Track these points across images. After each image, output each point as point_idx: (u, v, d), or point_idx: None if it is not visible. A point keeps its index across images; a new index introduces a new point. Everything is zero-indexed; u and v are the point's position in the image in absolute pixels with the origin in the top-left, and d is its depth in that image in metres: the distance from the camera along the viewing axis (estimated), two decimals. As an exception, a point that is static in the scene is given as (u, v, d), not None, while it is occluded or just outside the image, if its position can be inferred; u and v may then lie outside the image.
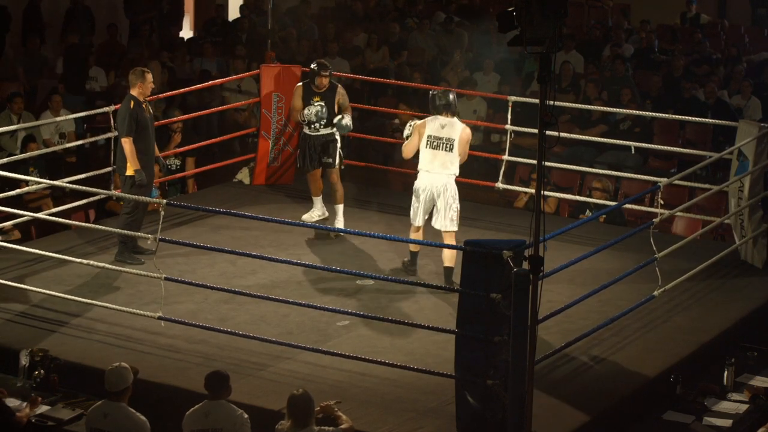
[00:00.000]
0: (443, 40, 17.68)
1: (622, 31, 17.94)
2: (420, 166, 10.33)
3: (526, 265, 7.44)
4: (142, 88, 10.52)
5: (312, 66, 11.44)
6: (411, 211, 10.43)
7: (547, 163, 10.05)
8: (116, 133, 11.64)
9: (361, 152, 15.05)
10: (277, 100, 12.91)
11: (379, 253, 11.02)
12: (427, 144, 10.24)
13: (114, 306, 9.41)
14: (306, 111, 11.26)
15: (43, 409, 8.25)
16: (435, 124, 10.28)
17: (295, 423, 7.13)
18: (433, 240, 10.25)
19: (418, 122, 10.38)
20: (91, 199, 11.52)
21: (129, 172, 10.45)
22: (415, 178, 10.37)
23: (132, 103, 10.45)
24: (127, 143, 10.39)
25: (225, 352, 8.93)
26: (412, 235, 10.45)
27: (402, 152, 10.56)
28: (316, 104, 11.26)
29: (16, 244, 10.63)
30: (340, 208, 11.49)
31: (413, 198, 10.40)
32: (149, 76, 10.59)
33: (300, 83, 11.54)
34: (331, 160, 11.41)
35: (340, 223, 11.44)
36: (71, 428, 8.11)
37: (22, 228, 11.68)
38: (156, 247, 9.12)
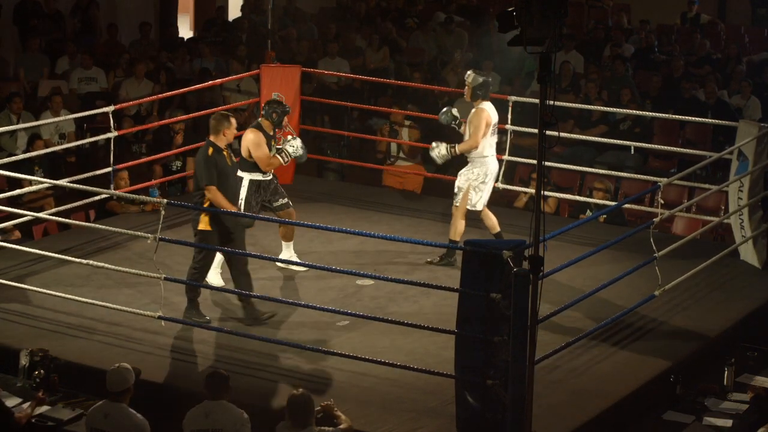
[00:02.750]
0: (443, 40, 17.68)
1: (622, 31, 17.93)
2: (488, 152, 10.62)
3: (526, 265, 7.44)
4: (227, 134, 9.51)
5: (280, 107, 10.41)
6: (476, 197, 10.68)
7: (547, 163, 10.05)
8: (115, 134, 11.71)
9: (361, 152, 15.08)
10: (277, 100, 12.90)
11: (378, 253, 11.02)
12: (492, 131, 10.63)
13: (114, 306, 9.41)
14: (291, 149, 10.32)
15: (43, 409, 8.25)
16: (493, 111, 10.64)
17: (294, 423, 7.13)
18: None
19: (483, 113, 10.51)
20: (91, 199, 11.52)
21: (202, 225, 9.40)
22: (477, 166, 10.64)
23: (211, 149, 9.43)
24: (211, 192, 9.34)
25: (225, 352, 8.93)
26: (463, 221, 10.70)
27: (474, 144, 10.56)
28: (290, 140, 10.42)
29: (17, 244, 10.64)
30: (292, 245, 10.71)
31: (481, 184, 10.64)
32: (234, 122, 9.66)
33: (253, 129, 10.29)
34: (287, 200, 10.51)
35: (295, 257, 10.62)
36: (71, 428, 8.12)
37: (24, 228, 11.68)
38: (156, 247, 9.11)
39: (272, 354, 8.87)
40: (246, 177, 10.24)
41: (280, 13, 17.96)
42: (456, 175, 10.87)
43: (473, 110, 10.64)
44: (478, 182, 10.65)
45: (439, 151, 10.77)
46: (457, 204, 10.71)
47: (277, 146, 10.39)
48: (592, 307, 9.56)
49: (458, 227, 10.71)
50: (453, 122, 10.91)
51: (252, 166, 10.23)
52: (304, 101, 13.53)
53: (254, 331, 9.15)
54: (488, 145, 10.62)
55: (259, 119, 10.43)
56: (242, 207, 10.13)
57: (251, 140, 10.20)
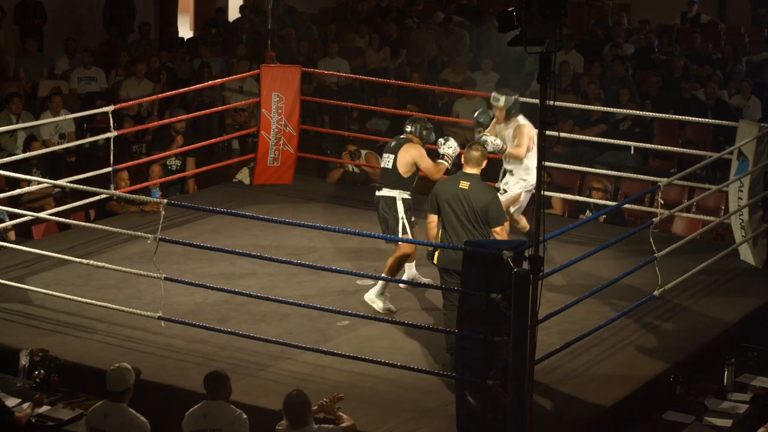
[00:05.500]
0: (443, 40, 17.68)
1: (622, 31, 17.94)
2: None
3: (526, 265, 7.44)
4: (484, 165, 8.95)
5: (428, 123, 10.06)
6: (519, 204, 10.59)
7: (547, 163, 10.02)
8: (115, 133, 11.71)
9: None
10: (277, 100, 12.91)
11: (379, 253, 11.01)
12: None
13: (114, 306, 9.41)
14: (450, 150, 9.86)
15: (43, 409, 8.25)
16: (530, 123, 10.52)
17: (292, 424, 7.12)
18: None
19: (525, 128, 10.32)
20: (91, 199, 11.51)
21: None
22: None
23: (488, 184, 9.02)
24: (504, 229, 8.81)
25: (225, 352, 8.93)
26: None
27: (519, 155, 10.31)
28: (446, 142, 9.96)
29: (16, 244, 10.63)
30: (414, 265, 10.21)
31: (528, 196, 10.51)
32: None
33: (411, 144, 9.89)
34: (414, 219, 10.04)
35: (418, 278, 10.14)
36: (71, 428, 8.12)
37: (24, 228, 11.66)
38: (156, 247, 9.11)
39: (272, 354, 8.86)
40: (398, 195, 9.87)
41: (280, 13, 17.97)
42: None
43: (514, 126, 10.34)
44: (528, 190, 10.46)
45: (487, 141, 10.12)
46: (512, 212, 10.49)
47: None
48: (592, 307, 9.57)
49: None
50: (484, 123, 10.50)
51: (406, 183, 9.84)
52: (304, 101, 13.53)
53: (254, 331, 9.14)
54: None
55: (405, 137, 9.95)
56: (406, 227, 9.85)
57: (417, 154, 9.78)
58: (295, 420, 7.10)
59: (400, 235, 9.84)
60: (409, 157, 9.82)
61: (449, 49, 17.29)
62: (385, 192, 9.92)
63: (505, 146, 10.32)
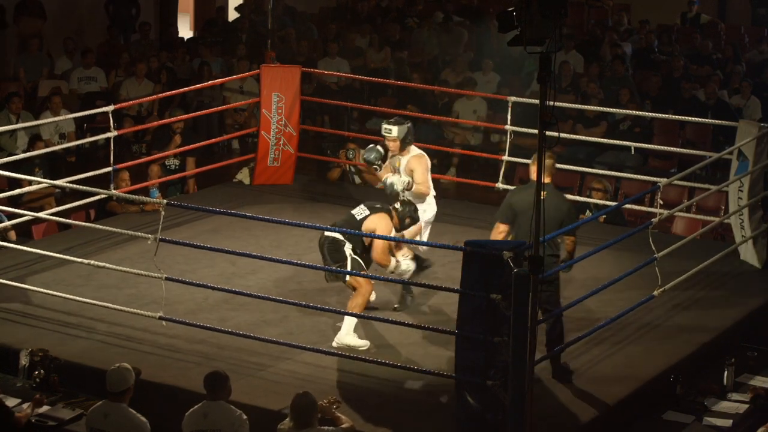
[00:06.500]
0: (443, 40, 17.69)
1: (618, 32, 17.93)
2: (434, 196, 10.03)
3: (526, 266, 7.44)
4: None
5: (416, 213, 9.42)
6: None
7: (547, 163, 10.02)
8: (115, 133, 11.71)
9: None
10: (277, 100, 12.91)
11: (379, 253, 11.01)
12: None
13: (114, 306, 9.41)
14: (404, 267, 9.37)
15: (43, 409, 8.25)
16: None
17: (297, 424, 7.12)
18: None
19: (423, 158, 9.88)
20: (92, 199, 11.51)
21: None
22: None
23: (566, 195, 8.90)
24: (575, 241, 8.72)
25: (225, 352, 8.93)
26: None
27: (427, 191, 9.90)
28: (408, 259, 9.49)
29: (16, 244, 10.63)
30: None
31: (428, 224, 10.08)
32: None
33: (388, 216, 9.30)
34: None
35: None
36: (71, 428, 8.12)
37: (24, 228, 11.66)
38: (156, 247, 9.11)
39: (272, 354, 8.86)
40: (347, 243, 9.12)
41: (280, 13, 17.99)
42: None
43: (409, 157, 9.85)
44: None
45: (395, 183, 9.73)
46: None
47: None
48: (592, 307, 9.56)
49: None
50: (377, 161, 9.95)
51: (358, 243, 9.14)
52: (304, 101, 13.53)
53: (254, 331, 9.14)
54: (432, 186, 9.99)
55: (392, 210, 9.31)
56: (360, 263, 9.11)
57: (386, 227, 9.17)
58: (301, 421, 7.10)
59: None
60: (371, 228, 9.13)
61: (449, 49, 17.30)
62: (337, 235, 9.13)
63: (411, 182, 9.75)
